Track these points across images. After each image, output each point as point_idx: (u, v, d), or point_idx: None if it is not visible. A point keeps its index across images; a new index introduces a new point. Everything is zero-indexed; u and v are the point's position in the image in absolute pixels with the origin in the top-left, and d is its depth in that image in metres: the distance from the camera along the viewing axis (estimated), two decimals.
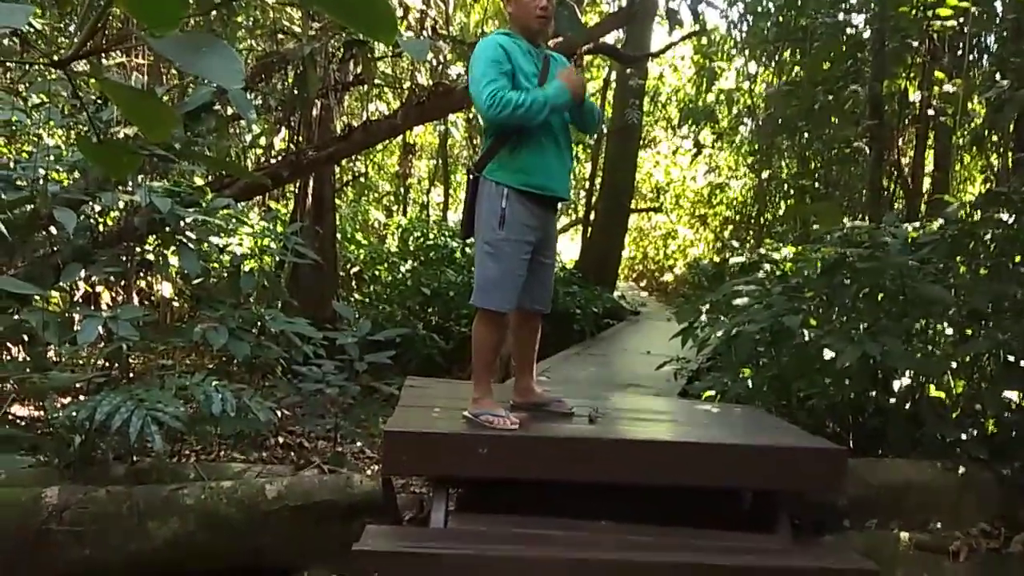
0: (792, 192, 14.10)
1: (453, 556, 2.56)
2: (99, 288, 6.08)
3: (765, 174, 16.58)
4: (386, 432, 2.84)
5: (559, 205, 3.46)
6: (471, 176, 3.22)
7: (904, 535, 3.43)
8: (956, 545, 3.44)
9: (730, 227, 20.04)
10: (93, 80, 3.96)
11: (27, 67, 4.65)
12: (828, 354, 4.23)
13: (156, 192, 3.79)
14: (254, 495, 2.97)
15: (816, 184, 12.96)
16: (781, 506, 3.03)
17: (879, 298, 4.50)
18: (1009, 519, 3.60)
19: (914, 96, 7.26)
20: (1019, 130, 7.71)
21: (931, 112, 6.63)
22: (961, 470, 3.67)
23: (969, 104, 7.98)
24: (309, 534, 2.99)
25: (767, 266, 5.44)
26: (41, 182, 3.64)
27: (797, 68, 10.44)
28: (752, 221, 17.70)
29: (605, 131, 14.64)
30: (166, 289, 7.82)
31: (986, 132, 8.54)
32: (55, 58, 1.58)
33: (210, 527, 2.90)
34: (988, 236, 4.26)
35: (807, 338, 4.42)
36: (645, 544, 2.74)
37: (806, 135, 10.57)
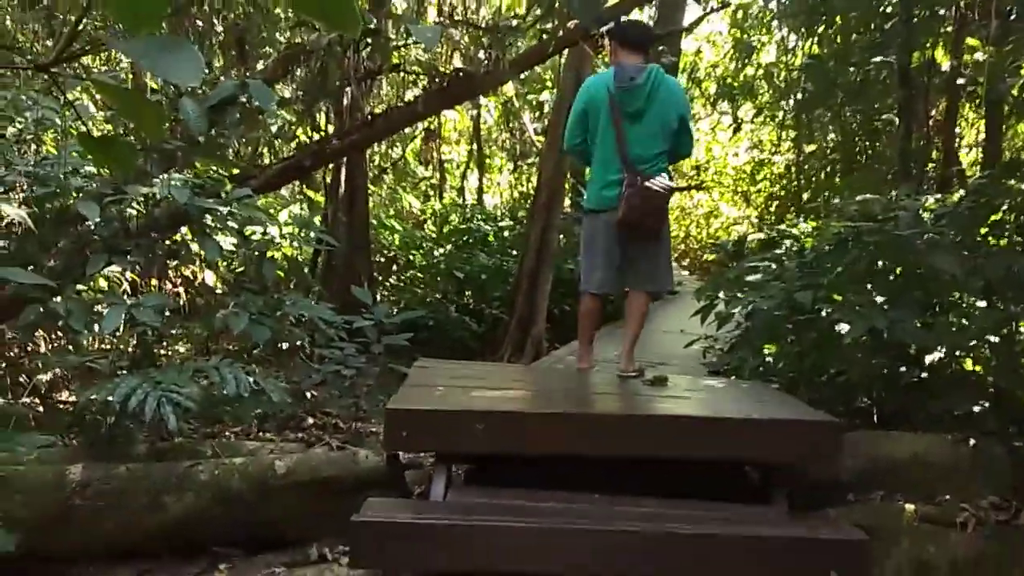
0: (832, 166, 13.83)
1: (446, 527, 2.66)
2: (137, 278, 6.35)
3: (807, 148, 16.26)
4: (386, 409, 2.95)
5: None
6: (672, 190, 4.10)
7: (909, 507, 3.42)
8: (963, 517, 3.41)
9: (775, 203, 19.72)
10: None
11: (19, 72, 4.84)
12: (843, 329, 4.21)
13: (175, 184, 3.95)
14: (264, 471, 3.12)
15: (858, 157, 12.69)
16: (778, 479, 3.06)
17: (897, 271, 4.45)
18: (1020, 492, 3.56)
19: (946, 66, 7.07)
20: None
21: (960, 82, 6.44)
22: (971, 443, 3.63)
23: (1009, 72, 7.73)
24: (317, 508, 3.13)
25: (787, 242, 5.40)
26: (64, 177, 3.82)
27: (837, 40, 10.23)
28: (796, 196, 17.39)
29: None
30: (209, 277, 8.10)
31: None
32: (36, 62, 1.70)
33: (223, 501, 3.06)
34: (1006, 207, 4.18)
35: (824, 313, 4.40)
36: (638, 515, 2.80)
37: (846, 108, 10.38)
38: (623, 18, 6.24)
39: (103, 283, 6.00)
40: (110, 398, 3.03)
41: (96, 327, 3.75)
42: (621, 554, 2.66)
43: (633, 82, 3.92)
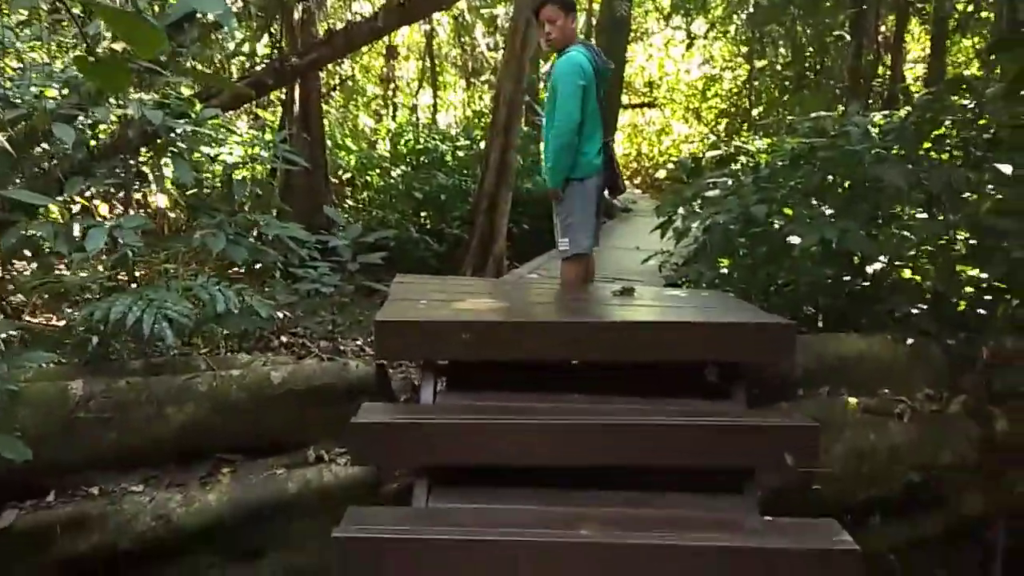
0: (782, 82, 14.02)
1: (437, 425, 2.88)
2: (96, 201, 6.29)
3: (759, 64, 16.39)
4: (376, 321, 3.12)
5: None
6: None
7: (852, 400, 3.78)
8: (901, 408, 3.80)
9: (725, 120, 19.92)
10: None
11: None
12: (795, 240, 4.49)
13: (147, 105, 3.95)
14: (261, 381, 3.29)
15: (808, 73, 12.90)
16: (739, 377, 3.34)
17: (847, 185, 4.71)
18: (952, 386, 3.94)
19: None
20: (1011, 11, 7.70)
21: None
22: (910, 342, 3.98)
23: None
24: (312, 414, 3.32)
25: (743, 158, 5.61)
26: (35, 98, 3.79)
27: None
28: (746, 113, 17.61)
29: (594, 24, 14.45)
30: (162, 200, 8.01)
31: (976, 15, 8.51)
32: None
33: (222, 411, 3.23)
34: (948, 123, 4.43)
35: (776, 226, 4.66)
36: (612, 411, 3.06)
37: (797, 24, 10.49)
38: None
39: (53, 208, 5.95)
40: (106, 315, 3.13)
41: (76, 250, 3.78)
42: (597, 444, 2.91)
43: (608, 60, 4.55)
